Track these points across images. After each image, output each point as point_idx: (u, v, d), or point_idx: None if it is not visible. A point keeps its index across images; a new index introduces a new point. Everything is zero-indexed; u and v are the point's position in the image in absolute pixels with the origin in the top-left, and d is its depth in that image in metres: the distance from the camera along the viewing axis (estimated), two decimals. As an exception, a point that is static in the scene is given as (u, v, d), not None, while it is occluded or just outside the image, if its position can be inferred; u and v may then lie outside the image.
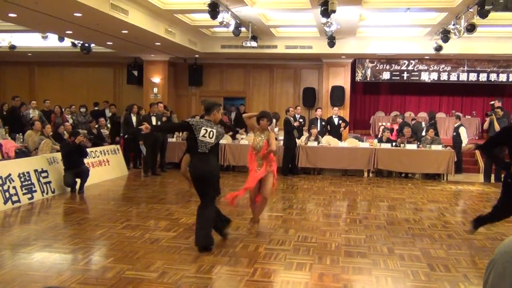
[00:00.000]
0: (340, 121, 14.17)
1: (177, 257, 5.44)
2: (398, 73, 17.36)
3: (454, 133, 13.03)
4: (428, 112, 15.95)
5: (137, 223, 7.07)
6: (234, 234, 6.39)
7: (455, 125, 13.16)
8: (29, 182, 8.78)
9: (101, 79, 19.91)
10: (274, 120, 10.77)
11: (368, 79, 17.60)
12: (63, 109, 14.98)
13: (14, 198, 8.31)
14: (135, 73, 18.64)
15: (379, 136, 13.66)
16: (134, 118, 12.84)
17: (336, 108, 14.68)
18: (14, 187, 8.38)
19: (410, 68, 17.26)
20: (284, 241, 6.18)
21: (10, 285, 4.54)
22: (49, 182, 9.29)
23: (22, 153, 10.14)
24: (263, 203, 6.41)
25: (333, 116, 14.28)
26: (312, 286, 4.63)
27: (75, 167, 9.57)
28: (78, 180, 9.70)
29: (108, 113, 15.96)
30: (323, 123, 14.19)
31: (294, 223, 7.27)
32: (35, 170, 9.06)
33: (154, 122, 11.83)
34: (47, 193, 9.15)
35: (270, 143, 6.32)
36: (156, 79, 18.10)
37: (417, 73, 17.24)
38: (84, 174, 9.68)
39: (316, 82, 18.34)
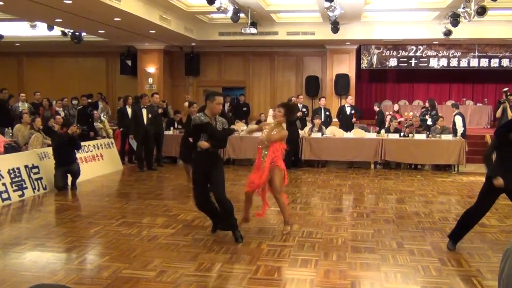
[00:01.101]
0: (353, 111, 14.15)
1: (176, 255, 5.45)
2: (405, 59, 17.31)
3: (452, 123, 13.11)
4: (428, 100, 15.94)
5: (133, 220, 7.08)
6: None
7: (453, 114, 13.21)
8: (20, 178, 8.79)
9: (93, 70, 19.88)
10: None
11: (374, 66, 17.55)
12: (53, 102, 14.96)
13: (4, 195, 8.32)
14: (129, 62, 18.60)
15: (386, 126, 13.65)
16: (129, 110, 12.82)
17: (349, 97, 14.68)
18: (4, 184, 8.39)
19: (418, 54, 17.20)
20: (288, 237, 6.19)
21: (1, 286, 4.55)
22: (41, 178, 9.30)
23: (11, 148, 10.13)
24: (278, 203, 6.37)
25: (346, 106, 14.27)
26: (318, 283, 4.64)
27: (67, 162, 9.44)
28: (70, 176, 9.63)
29: (100, 106, 15.96)
30: (327, 113, 14.18)
31: (298, 218, 7.28)
32: (26, 166, 9.06)
33: (145, 115, 11.77)
34: (38, 190, 9.16)
35: (274, 137, 6.25)
36: (151, 68, 18.07)
37: (425, 59, 17.18)
38: (75, 173, 9.59)
39: (320, 70, 18.30)
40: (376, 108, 15.16)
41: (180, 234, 6.30)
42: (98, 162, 11.42)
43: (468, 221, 5.68)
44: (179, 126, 13.35)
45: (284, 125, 6.41)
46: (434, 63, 17.17)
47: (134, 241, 6.00)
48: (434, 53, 17.09)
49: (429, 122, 14.07)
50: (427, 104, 15.49)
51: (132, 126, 11.86)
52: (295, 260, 5.29)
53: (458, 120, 12.91)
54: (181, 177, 10.71)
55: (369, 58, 17.46)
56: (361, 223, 6.99)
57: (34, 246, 5.85)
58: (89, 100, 16.03)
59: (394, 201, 8.71)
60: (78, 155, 10.38)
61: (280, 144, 6.27)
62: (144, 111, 11.83)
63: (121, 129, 13.03)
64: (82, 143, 10.83)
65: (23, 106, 13.58)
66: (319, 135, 12.81)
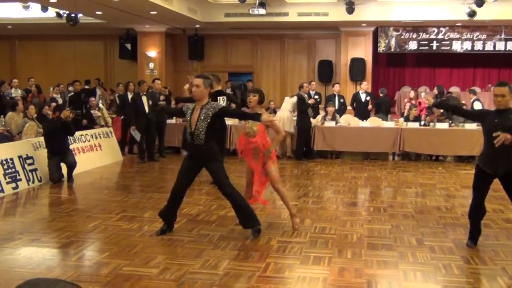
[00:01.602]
0: (368, 98, 14.10)
1: (180, 251, 5.48)
2: (426, 42, 17.21)
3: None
4: (436, 86, 15.83)
5: (134, 214, 7.12)
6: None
7: (471, 100, 13.13)
8: (13, 169, 8.85)
9: (90, 54, 19.94)
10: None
11: (392, 49, 17.47)
12: (50, 89, 15.01)
13: (-3, 187, 8.39)
14: (128, 46, 18.64)
15: (405, 114, 13.60)
16: (130, 97, 12.83)
17: (364, 83, 14.61)
18: (-4, 176, 8.45)
19: (440, 36, 17.10)
20: (300, 233, 6.20)
21: (-5, 283, 4.61)
22: (35, 170, 9.35)
23: (4, 137, 10.19)
24: (280, 194, 6.37)
25: (360, 92, 14.22)
26: (331, 282, 4.66)
27: (60, 151, 9.38)
28: (64, 167, 9.58)
29: (98, 92, 16.00)
30: (341, 100, 14.15)
31: (310, 212, 7.29)
32: (19, 157, 9.11)
33: (145, 103, 11.73)
34: (33, 182, 9.22)
35: (276, 128, 6.18)
36: (152, 53, 18.09)
37: (447, 42, 17.08)
38: (71, 164, 9.56)
39: (333, 54, 18.25)
40: (381, 94, 15.06)
41: (184, 229, 6.32)
42: (96, 153, 11.47)
43: (474, 218, 5.71)
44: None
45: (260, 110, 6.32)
46: (457, 46, 17.06)
47: (135, 237, 6.04)
48: (457, 36, 16.98)
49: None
50: (435, 91, 15.42)
51: (132, 116, 11.75)
52: (307, 257, 5.30)
53: (478, 106, 12.84)
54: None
55: (386, 41, 17.38)
56: (378, 218, 6.99)
57: (29, 241, 5.90)
58: (86, 86, 16.11)
59: (414, 195, 8.70)
60: (74, 146, 10.43)
61: (265, 132, 6.25)
62: (144, 99, 11.79)
63: (122, 117, 13.05)
64: (79, 133, 10.88)
65: (16, 93, 13.65)
66: (332, 124, 12.78)
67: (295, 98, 12.49)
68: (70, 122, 9.47)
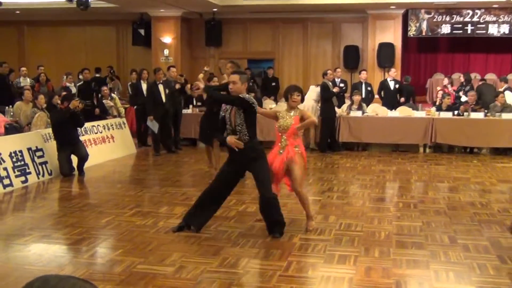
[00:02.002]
0: (397, 85, 13.99)
1: (197, 249, 5.52)
2: (460, 25, 16.98)
3: None
4: (463, 74, 15.62)
5: (149, 210, 7.19)
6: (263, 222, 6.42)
7: (501, 89, 12.96)
8: (22, 162, 8.97)
9: (102, 40, 20.03)
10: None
11: (423, 33, 17.28)
12: (64, 78, 15.13)
13: (6, 181, 8.51)
14: (142, 32, 18.68)
15: (437, 103, 13.48)
16: (144, 86, 12.90)
17: (393, 70, 14.50)
18: (5, 169, 8.56)
19: (475, 19, 16.86)
20: (324, 230, 6.21)
21: (4, 281, 4.69)
22: (45, 163, 9.47)
23: (13, 128, 10.33)
24: (301, 197, 6.29)
25: (388, 79, 14.11)
26: (357, 282, 4.66)
27: (70, 142, 9.45)
28: (75, 159, 9.65)
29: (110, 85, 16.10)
30: (369, 88, 14.07)
31: (335, 208, 7.29)
32: (29, 149, 9.23)
33: (162, 92, 11.76)
34: (43, 175, 9.34)
35: (307, 116, 6.32)
36: (167, 38, 18.12)
37: (483, 25, 16.83)
38: (83, 156, 9.62)
39: (360, 38, 18.10)
40: (404, 82, 14.92)
41: (201, 226, 6.36)
42: (108, 145, 11.57)
43: None
44: (199, 104, 13.38)
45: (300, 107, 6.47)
46: (493, 30, 16.81)
47: (150, 233, 6.10)
48: (494, 18, 16.72)
49: (463, 99, 13.86)
50: (461, 79, 15.25)
51: (150, 106, 11.77)
52: (332, 256, 5.31)
53: (509, 96, 12.67)
54: (202, 161, 10.78)
55: (417, 24, 17.20)
56: (408, 215, 6.96)
57: (39, 237, 5.99)
58: (97, 75, 16.24)
59: (446, 190, 8.65)
60: (85, 137, 10.53)
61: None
62: (161, 87, 11.84)
63: (135, 107, 13.13)
64: (90, 124, 10.99)
65: (24, 82, 13.81)
66: (359, 113, 12.73)
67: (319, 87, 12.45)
68: (79, 112, 9.52)
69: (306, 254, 5.39)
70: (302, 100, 6.43)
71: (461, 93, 14.39)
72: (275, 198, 5.90)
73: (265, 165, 5.90)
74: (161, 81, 11.93)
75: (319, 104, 12.46)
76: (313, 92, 12.66)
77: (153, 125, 11.74)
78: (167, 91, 11.82)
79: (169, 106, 11.89)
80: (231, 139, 5.78)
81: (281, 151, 6.18)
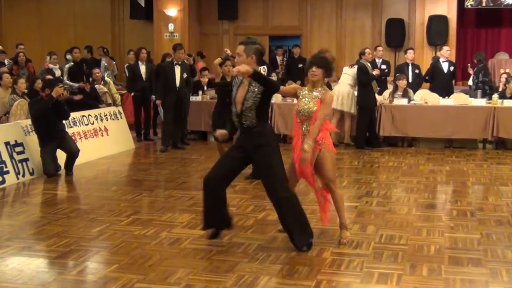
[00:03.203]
0: (451, 67, 13.89)
1: (207, 265, 5.53)
2: (529, -6, 16.84)
3: None
4: (476, 53, 15.45)
5: (150, 217, 7.22)
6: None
7: None
8: (-1, 159, 9.04)
9: (94, 14, 20.11)
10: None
11: (483, 4, 17.15)
12: (47, 58, 15.22)
13: (-21, 182, 8.61)
14: (142, 3, 18.73)
15: (500, 89, 13.36)
16: (143, 68, 12.95)
17: (445, 48, 14.37)
18: (-22, 167, 8.67)
19: (548, -14, 16.71)
20: (360, 243, 6.19)
21: (-23, 301, 4.74)
22: (26, 160, 9.52)
23: (-13, 119, 10.41)
24: (333, 196, 6.26)
25: (441, 60, 14.00)
26: (401, 307, 4.64)
27: (54, 136, 9.49)
28: (61, 156, 9.67)
29: (104, 63, 16.17)
30: (416, 70, 13.97)
31: (374, 217, 7.27)
32: (7, 143, 9.28)
33: (177, 75, 11.74)
34: (23, 175, 9.40)
35: (325, 103, 6.04)
36: (172, 11, 18.13)
37: (558, -7, 16.68)
38: (72, 152, 9.66)
39: (406, 11, 18.00)
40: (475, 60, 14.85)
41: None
42: (101, 139, 11.60)
43: None
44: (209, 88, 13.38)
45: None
46: None
47: (151, 245, 6.12)
48: None
49: None
50: (475, 60, 15.12)
51: (161, 90, 11.88)
52: (370, 274, 5.29)
53: None
54: (213, 159, 10.75)
55: (476, -7, 17.09)
56: (463, 225, 6.91)
57: (18, 249, 6.03)
58: (89, 55, 16.35)
59: (510, 195, 8.56)
60: (73, 130, 10.58)
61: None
62: (177, 69, 11.88)
63: (132, 93, 13.19)
64: (80, 113, 11.04)
65: None
66: (404, 102, 12.66)
67: (356, 69, 12.40)
68: (63, 101, 9.58)
69: (339, 271, 5.38)
70: (328, 75, 6.21)
71: None
72: (291, 197, 5.84)
73: (274, 155, 5.82)
74: (179, 62, 11.97)
75: (356, 90, 12.41)
76: (348, 75, 12.60)
77: (161, 111, 11.81)
78: (184, 75, 11.84)
79: (186, 92, 11.93)
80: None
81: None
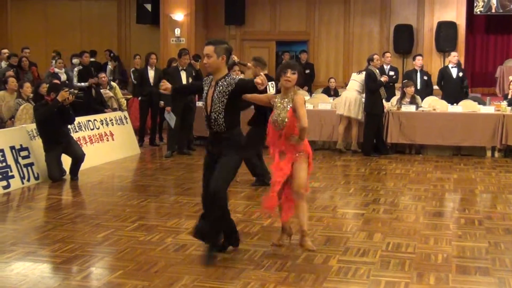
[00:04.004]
0: (461, 73, 13.87)
1: (212, 271, 5.54)
2: (539, 1, 16.83)
3: None
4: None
5: (155, 223, 7.24)
6: (294, 239, 6.41)
7: None
8: (4, 164, 9.06)
9: (101, 17, 20.16)
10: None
11: (493, 10, 17.14)
12: (53, 62, 15.24)
13: (-16, 186, 8.64)
14: (148, 7, 18.77)
15: (509, 96, 13.34)
16: (151, 73, 12.97)
17: (453, 54, 14.36)
18: (-17, 171, 8.70)
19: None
20: (367, 251, 6.19)
21: (-19, 307, 4.76)
22: (31, 164, 9.55)
23: (-8, 123, 10.44)
24: (298, 202, 6.17)
25: (450, 66, 13.99)
26: (408, 315, 4.64)
27: (59, 142, 9.53)
28: (66, 161, 9.70)
29: (110, 67, 16.21)
30: (425, 77, 13.96)
31: (381, 224, 7.27)
32: (12, 148, 9.31)
33: (184, 80, 11.78)
34: (28, 180, 9.43)
35: (298, 114, 5.95)
36: (179, 15, 18.17)
37: None
38: (78, 157, 9.70)
39: (414, 16, 17.99)
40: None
41: (218, 243, 6.38)
42: (107, 144, 11.63)
43: None
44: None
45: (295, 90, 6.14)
46: None
47: (156, 251, 6.13)
48: None
49: None
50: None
51: (169, 96, 11.84)
52: (377, 283, 5.29)
53: None
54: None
55: (486, -1, 17.08)
56: (471, 233, 6.91)
57: (23, 254, 6.06)
58: (92, 59, 16.36)
59: (519, 203, 8.58)
60: (79, 134, 10.60)
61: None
62: (183, 75, 11.93)
63: (139, 98, 13.21)
64: (85, 118, 11.06)
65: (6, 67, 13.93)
66: (412, 108, 12.66)
67: (364, 75, 12.41)
68: (69, 106, 9.61)
69: (345, 279, 5.38)
70: (300, 84, 6.17)
71: None
72: (223, 197, 5.73)
73: (231, 162, 5.71)
74: (185, 67, 12.03)
75: (363, 96, 12.42)
76: (355, 82, 12.61)
77: (170, 118, 11.83)
78: (190, 80, 11.89)
79: (191, 98, 12.02)
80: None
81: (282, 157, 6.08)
